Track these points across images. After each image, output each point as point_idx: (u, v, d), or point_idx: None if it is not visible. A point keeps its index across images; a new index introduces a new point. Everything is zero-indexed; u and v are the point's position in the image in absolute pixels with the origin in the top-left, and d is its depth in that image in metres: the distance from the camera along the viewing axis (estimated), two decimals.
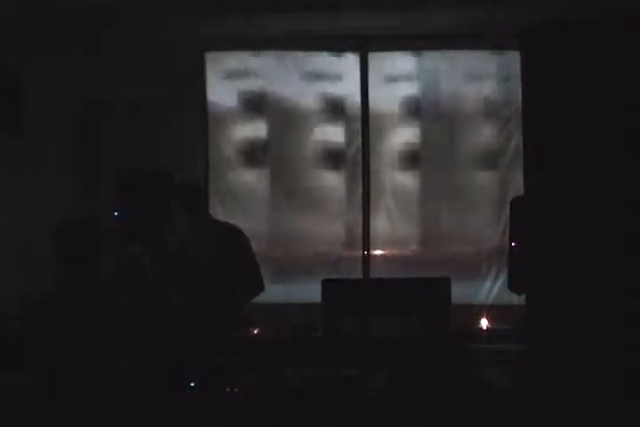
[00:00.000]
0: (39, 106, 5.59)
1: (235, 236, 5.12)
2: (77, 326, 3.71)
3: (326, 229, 6.46)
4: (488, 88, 6.28)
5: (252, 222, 6.38)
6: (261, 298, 5.50)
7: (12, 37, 5.24)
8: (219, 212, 6.37)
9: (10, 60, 5.31)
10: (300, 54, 6.46)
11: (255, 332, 5.44)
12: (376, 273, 6.42)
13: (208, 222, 5.16)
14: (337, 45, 6.40)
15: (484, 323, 5.70)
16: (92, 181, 5.96)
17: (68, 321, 3.71)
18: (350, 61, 6.42)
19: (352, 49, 6.41)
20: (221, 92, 6.50)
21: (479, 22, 5.76)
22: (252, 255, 5.16)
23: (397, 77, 6.41)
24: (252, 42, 6.36)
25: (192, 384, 4.11)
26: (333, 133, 6.47)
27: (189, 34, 6.00)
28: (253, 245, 5.21)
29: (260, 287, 5.19)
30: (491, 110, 6.28)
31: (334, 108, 6.45)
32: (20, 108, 5.45)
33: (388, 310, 4.71)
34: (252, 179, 6.52)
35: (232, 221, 5.58)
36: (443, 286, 4.82)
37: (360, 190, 6.43)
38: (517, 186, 6.02)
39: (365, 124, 6.41)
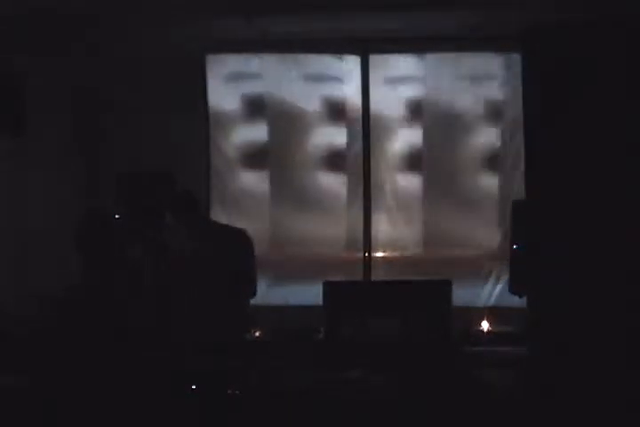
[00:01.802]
0: (40, 106, 5.59)
1: (238, 238, 5.11)
2: (86, 325, 3.72)
3: (327, 231, 6.44)
4: (489, 89, 6.27)
5: (253, 224, 6.39)
6: (263, 300, 5.50)
7: (13, 37, 5.24)
8: (219, 214, 6.40)
9: (10, 59, 5.30)
10: (301, 56, 6.45)
11: (256, 334, 5.44)
12: (377, 276, 6.41)
13: (209, 225, 5.15)
14: (338, 47, 6.40)
15: (485, 326, 5.69)
16: (93, 182, 5.95)
17: (79, 320, 3.73)
18: (351, 63, 6.42)
19: (353, 51, 6.40)
20: (222, 94, 6.49)
21: (480, 24, 5.76)
22: (253, 259, 5.14)
23: (398, 79, 6.40)
24: (254, 44, 6.35)
25: (193, 386, 4.10)
26: (334, 136, 6.46)
27: (190, 36, 5.99)
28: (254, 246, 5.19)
29: (253, 293, 5.14)
30: (492, 112, 6.28)
31: (335, 111, 6.44)
32: (21, 108, 5.44)
33: (389, 313, 4.70)
34: (253, 181, 6.50)
35: (234, 224, 5.59)
36: (444, 288, 4.81)
37: (361, 193, 6.42)
38: (519, 188, 6.05)
39: (366, 126, 6.41)
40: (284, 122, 6.50)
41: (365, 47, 6.37)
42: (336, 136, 6.48)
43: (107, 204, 5.02)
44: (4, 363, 4.01)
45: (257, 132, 6.50)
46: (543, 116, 4.99)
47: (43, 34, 5.43)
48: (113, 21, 5.56)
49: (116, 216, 4.69)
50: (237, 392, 4.15)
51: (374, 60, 6.38)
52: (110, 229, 4.17)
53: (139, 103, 5.99)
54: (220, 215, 6.34)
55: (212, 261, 4.82)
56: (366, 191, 6.42)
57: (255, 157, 6.51)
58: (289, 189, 6.50)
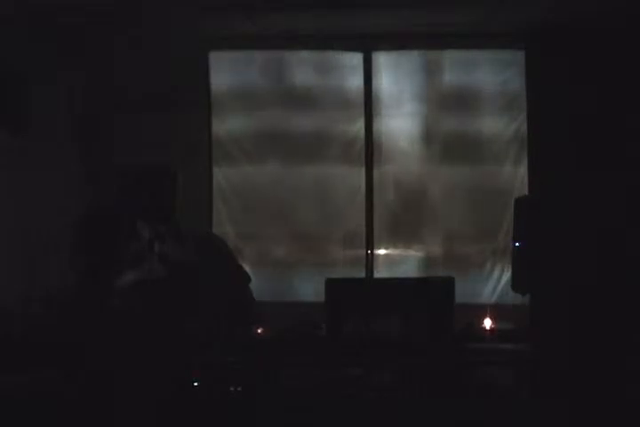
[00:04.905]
0: (40, 106, 5.60)
1: (213, 238, 5.11)
2: (87, 324, 3.74)
3: (329, 227, 6.45)
4: (491, 87, 6.27)
5: (254, 220, 6.42)
6: (264, 297, 5.50)
7: (13, 37, 5.25)
8: (220, 209, 6.42)
9: (10, 59, 5.31)
10: (304, 53, 6.45)
11: (258, 331, 5.43)
12: (379, 272, 6.41)
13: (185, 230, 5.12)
14: (341, 44, 6.40)
15: (488, 323, 5.68)
16: (94, 181, 5.96)
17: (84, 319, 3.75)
18: (354, 60, 6.42)
19: (356, 48, 6.40)
20: (225, 91, 6.50)
21: (483, 21, 5.75)
22: (232, 255, 5.12)
23: (400, 76, 6.40)
24: (256, 40, 6.35)
25: (195, 383, 4.12)
26: (337, 131, 6.46)
27: (192, 33, 6.00)
28: (255, 243, 5.19)
29: (248, 279, 5.11)
30: (494, 109, 6.27)
31: (337, 107, 6.44)
32: (21, 107, 5.45)
33: (392, 310, 4.71)
34: (254, 178, 6.51)
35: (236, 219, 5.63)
36: (446, 285, 4.81)
37: (363, 187, 6.42)
38: (521, 185, 6.05)
39: (369, 121, 6.40)
40: (287, 118, 6.50)
41: (368, 44, 6.37)
42: (338, 132, 6.47)
43: (107, 202, 5.02)
44: (6, 363, 4.04)
45: (259, 129, 6.51)
46: (546, 113, 5.01)
47: (43, 34, 5.45)
48: (113, 20, 5.58)
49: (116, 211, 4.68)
50: (239, 389, 4.16)
51: (377, 56, 6.39)
52: (112, 226, 4.18)
53: (141, 102, 6.00)
54: (221, 212, 6.38)
55: (205, 261, 4.81)
56: (368, 185, 6.43)
57: (257, 152, 6.52)
58: (291, 184, 6.50)
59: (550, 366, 4.30)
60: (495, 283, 6.27)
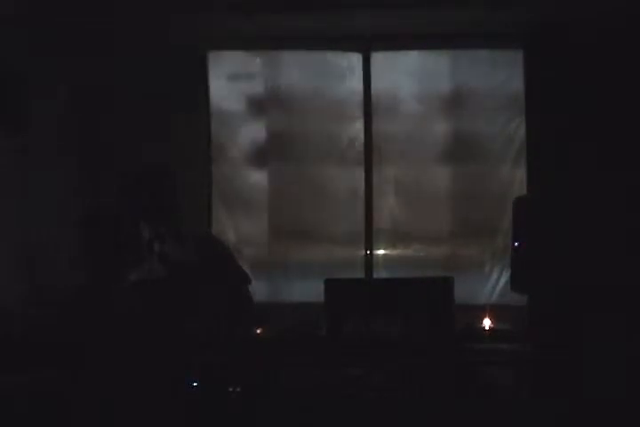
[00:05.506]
0: (41, 106, 5.60)
1: (211, 239, 5.12)
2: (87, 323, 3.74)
3: (329, 227, 6.45)
4: (490, 87, 6.27)
5: (254, 222, 6.42)
6: (264, 297, 5.51)
7: (13, 37, 5.25)
8: (221, 211, 6.42)
9: (11, 59, 5.31)
10: (303, 53, 6.45)
11: (257, 331, 5.44)
12: (379, 273, 6.42)
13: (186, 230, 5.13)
14: (340, 45, 6.40)
15: (487, 323, 5.68)
16: (94, 181, 5.96)
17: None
18: (353, 60, 6.42)
19: (355, 48, 6.40)
20: (224, 91, 6.50)
21: (482, 21, 5.75)
22: (231, 256, 5.12)
23: (399, 76, 6.40)
24: (256, 40, 6.35)
25: (194, 384, 4.12)
26: (336, 132, 6.46)
27: (191, 33, 6.01)
28: (255, 244, 5.20)
29: (247, 281, 5.12)
30: (493, 109, 6.27)
31: (336, 108, 6.44)
32: (21, 108, 5.45)
33: (391, 310, 4.71)
34: (254, 178, 6.51)
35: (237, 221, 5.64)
36: (446, 285, 4.82)
37: (362, 188, 6.42)
38: (520, 185, 6.06)
39: (369, 122, 6.41)
40: (286, 119, 6.50)
41: (367, 44, 6.37)
42: (338, 132, 6.47)
43: (107, 202, 5.04)
44: (6, 363, 4.04)
45: (258, 129, 6.51)
46: (545, 113, 5.01)
47: (43, 34, 5.45)
48: (113, 20, 5.58)
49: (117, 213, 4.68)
50: (238, 390, 4.16)
51: (376, 57, 6.39)
52: (112, 226, 4.19)
53: (139, 102, 6.00)
54: (221, 213, 6.38)
55: (204, 262, 4.82)
56: (368, 187, 6.43)
57: (256, 152, 6.52)
58: (290, 185, 6.50)
59: (550, 366, 4.30)
60: (494, 283, 6.29)
